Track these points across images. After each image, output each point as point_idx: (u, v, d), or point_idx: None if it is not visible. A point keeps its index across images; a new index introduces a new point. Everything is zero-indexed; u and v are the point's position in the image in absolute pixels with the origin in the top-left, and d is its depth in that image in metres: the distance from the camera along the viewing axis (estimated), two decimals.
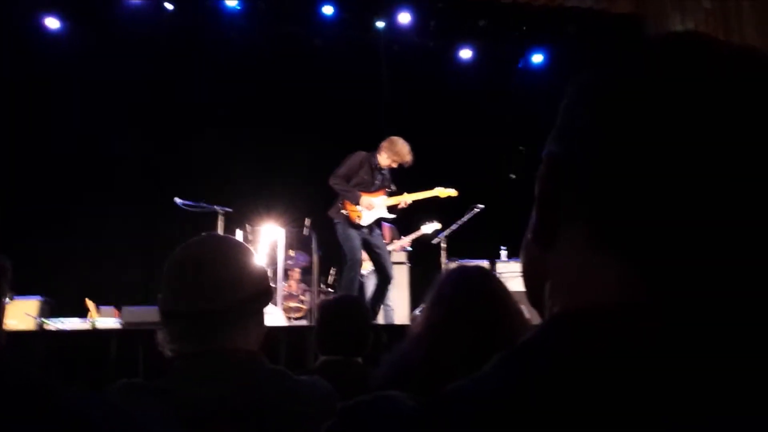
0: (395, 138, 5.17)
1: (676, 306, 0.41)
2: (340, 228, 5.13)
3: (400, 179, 5.45)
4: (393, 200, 5.27)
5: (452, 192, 5.57)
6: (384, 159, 5.15)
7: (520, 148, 7.47)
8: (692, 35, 0.47)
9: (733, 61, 0.44)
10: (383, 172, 5.23)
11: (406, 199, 5.30)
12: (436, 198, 5.56)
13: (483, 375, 0.43)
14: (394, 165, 5.19)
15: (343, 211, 5.09)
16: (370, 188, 5.16)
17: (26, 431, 0.48)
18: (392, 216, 5.36)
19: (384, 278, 5.20)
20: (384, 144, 5.17)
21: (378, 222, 5.30)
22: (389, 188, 5.30)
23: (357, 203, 5.07)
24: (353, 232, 5.09)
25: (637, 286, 0.42)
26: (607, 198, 0.44)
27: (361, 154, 5.19)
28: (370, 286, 5.80)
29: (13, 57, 6.95)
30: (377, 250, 5.20)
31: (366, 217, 5.12)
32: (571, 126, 0.48)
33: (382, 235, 5.53)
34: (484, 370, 0.43)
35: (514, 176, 7.59)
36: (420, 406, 0.42)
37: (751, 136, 0.41)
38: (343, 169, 5.14)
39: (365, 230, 5.15)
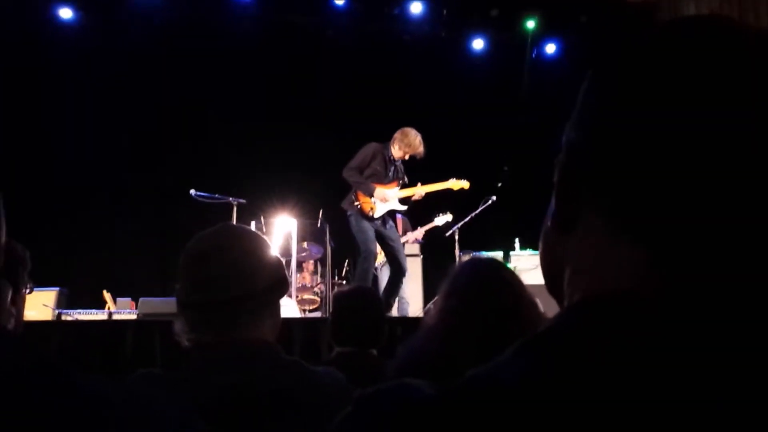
0: (407, 129, 5.16)
1: (697, 293, 0.41)
2: (353, 220, 5.13)
3: (413, 170, 5.44)
4: (406, 192, 5.26)
5: (465, 184, 5.55)
6: (397, 150, 5.15)
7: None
8: (712, 17, 0.46)
9: (755, 43, 0.44)
10: (396, 163, 5.22)
11: (419, 190, 5.29)
12: (449, 190, 5.54)
13: (502, 362, 0.43)
14: (407, 156, 5.19)
15: (356, 203, 5.09)
16: (384, 180, 5.15)
17: (47, 414, 0.49)
18: (405, 207, 5.35)
19: (398, 271, 5.19)
20: (396, 135, 5.16)
21: (392, 214, 5.30)
22: (402, 180, 5.29)
23: (371, 195, 5.06)
24: (366, 224, 5.09)
25: (657, 272, 0.42)
26: (626, 184, 0.44)
27: (373, 146, 5.19)
28: (384, 278, 5.80)
29: (28, 47, 7.01)
30: (391, 243, 5.20)
31: (379, 209, 5.11)
32: (589, 111, 0.48)
33: (396, 227, 5.52)
34: (503, 357, 0.43)
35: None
36: (439, 393, 0.42)
37: None
38: (356, 161, 5.13)
39: (378, 222, 5.14)
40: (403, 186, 5.30)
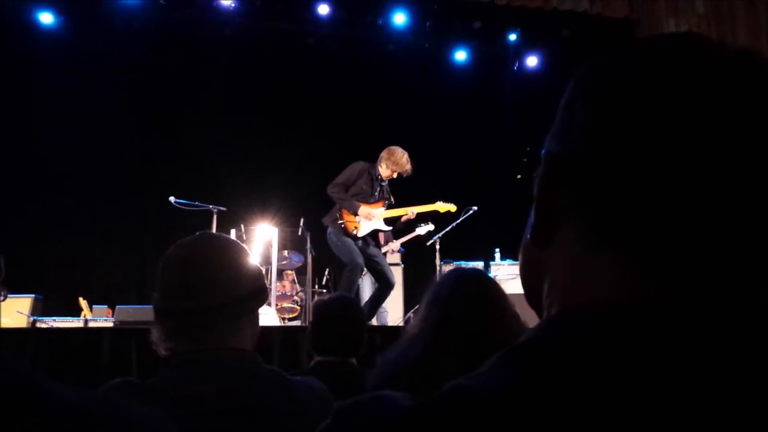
0: (394, 148, 5.09)
1: (674, 304, 0.42)
2: (334, 237, 5.03)
3: (397, 184, 5.40)
4: (395, 212, 5.19)
5: (452, 207, 5.51)
6: (384, 170, 5.07)
7: (524, 159, 7.43)
8: (692, 35, 0.47)
9: (733, 61, 0.44)
10: (383, 183, 5.15)
11: (411, 210, 5.23)
12: (435, 211, 5.50)
13: (481, 373, 0.43)
14: (394, 175, 5.11)
15: (340, 221, 4.99)
16: (369, 199, 5.07)
17: (21, 427, 0.48)
18: (389, 228, 5.28)
19: (386, 285, 5.09)
20: (383, 154, 5.08)
21: (373, 234, 5.22)
22: (388, 200, 5.22)
23: (355, 213, 4.98)
24: (348, 240, 5.00)
25: (635, 284, 0.43)
26: (605, 196, 0.44)
27: (360, 164, 5.11)
28: (365, 287, 5.79)
29: (6, 51, 6.92)
30: (375, 259, 5.10)
31: (363, 228, 5.03)
32: (569, 124, 0.48)
33: (377, 245, 5.47)
34: (481, 369, 0.43)
35: (519, 176, 7.57)
36: (417, 406, 0.42)
37: (751, 135, 0.41)
38: (341, 178, 5.05)
39: (360, 242, 5.05)
40: (390, 206, 5.23)
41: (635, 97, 0.44)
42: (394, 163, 5.04)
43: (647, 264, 0.43)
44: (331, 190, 5.02)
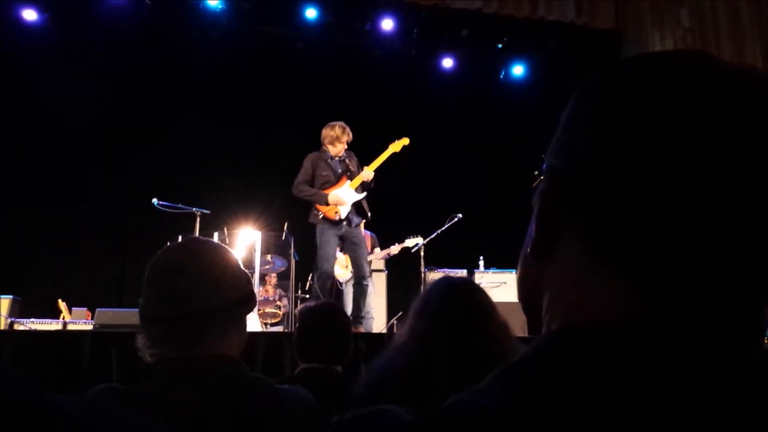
0: (329, 124, 5.19)
1: (675, 322, 0.42)
2: (318, 234, 5.10)
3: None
4: (355, 182, 5.21)
5: (404, 141, 5.49)
6: (331, 148, 5.16)
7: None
8: (694, 52, 0.47)
9: (735, 78, 0.44)
10: (338, 159, 5.21)
11: (367, 173, 5.23)
12: (394, 155, 5.44)
13: (482, 388, 0.43)
14: (344, 148, 5.18)
15: (319, 214, 5.06)
16: (334, 182, 5.14)
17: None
18: (364, 194, 5.25)
19: (356, 277, 5.15)
20: (322, 135, 5.18)
21: (358, 208, 5.20)
22: (349, 171, 5.24)
23: (326, 203, 5.05)
24: (330, 239, 5.04)
25: (636, 302, 0.43)
26: (607, 212, 0.44)
27: (311, 155, 5.21)
28: (349, 293, 5.76)
29: None
30: (353, 246, 5.17)
31: (343, 210, 5.09)
32: (572, 139, 0.48)
33: (361, 233, 5.48)
34: (483, 384, 0.43)
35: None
36: (420, 420, 0.41)
37: (753, 155, 0.41)
38: (300, 176, 5.13)
39: (344, 223, 5.10)
40: (351, 176, 5.24)
41: (639, 113, 0.44)
42: (334, 138, 5.12)
43: (648, 282, 0.42)
44: (297, 191, 5.09)
